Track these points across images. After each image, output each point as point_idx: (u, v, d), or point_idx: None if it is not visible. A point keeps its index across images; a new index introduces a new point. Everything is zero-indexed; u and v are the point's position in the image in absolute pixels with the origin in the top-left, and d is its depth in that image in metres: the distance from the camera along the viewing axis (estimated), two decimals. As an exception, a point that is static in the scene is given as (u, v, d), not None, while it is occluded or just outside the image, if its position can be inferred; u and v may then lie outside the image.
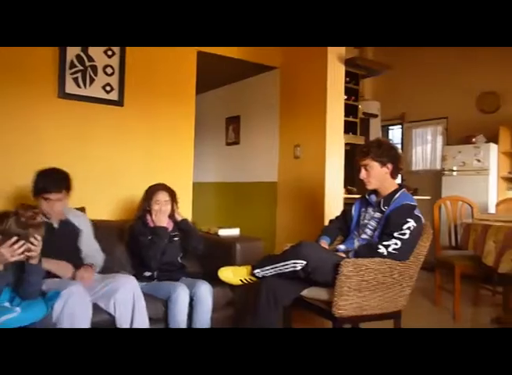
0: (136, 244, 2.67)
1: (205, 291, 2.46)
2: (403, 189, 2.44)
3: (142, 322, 2.17)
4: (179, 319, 2.34)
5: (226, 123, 5.60)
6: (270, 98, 4.77)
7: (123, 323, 2.15)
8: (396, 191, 2.41)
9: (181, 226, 2.79)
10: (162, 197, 2.70)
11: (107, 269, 2.56)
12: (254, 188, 5.02)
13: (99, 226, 2.81)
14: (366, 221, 2.48)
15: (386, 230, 2.29)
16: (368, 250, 2.28)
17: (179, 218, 2.79)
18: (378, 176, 2.41)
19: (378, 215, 2.42)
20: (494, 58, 5.42)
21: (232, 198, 5.41)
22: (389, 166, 2.41)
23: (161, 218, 2.67)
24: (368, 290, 2.18)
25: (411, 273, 2.31)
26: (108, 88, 3.20)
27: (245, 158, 5.22)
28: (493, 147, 5.31)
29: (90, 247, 2.54)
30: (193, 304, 2.44)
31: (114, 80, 3.22)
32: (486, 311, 3.80)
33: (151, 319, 2.27)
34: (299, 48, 4.16)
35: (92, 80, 3.13)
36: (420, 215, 2.32)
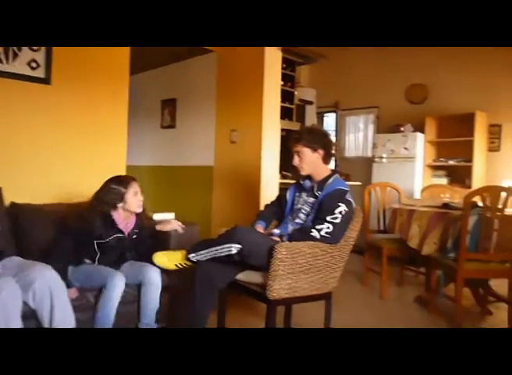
0: (88, 239, 2.47)
1: (155, 274, 2.46)
2: (336, 175, 2.51)
3: (63, 311, 2.07)
4: (110, 306, 2.29)
5: (162, 106, 5.48)
6: (207, 82, 4.72)
7: (44, 314, 2.04)
8: (329, 177, 2.47)
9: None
10: (138, 188, 2.55)
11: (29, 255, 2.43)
12: (189, 172, 4.97)
13: (20, 209, 2.66)
14: (300, 206, 2.53)
15: (319, 214, 2.35)
16: (302, 234, 2.33)
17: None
18: (310, 161, 2.47)
19: (311, 200, 2.48)
20: (422, 51, 5.67)
21: (168, 182, 5.33)
22: (321, 151, 2.46)
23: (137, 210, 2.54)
24: (301, 272, 2.23)
25: (342, 255, 2.39)
26: (33, 65, 3.00)
27: (181, 141, 5.15)
28: (420, 136, 5.59)
29: None
30: (143, 289, 2.44)
31: (40, 57, 3.02)
32: (410, 290, 4.05)
33: (82, 308, 2.20)
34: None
35: (15, 56, 2.92)
36: (351, 200, 2.40)
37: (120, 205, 2.51)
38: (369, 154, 6.44)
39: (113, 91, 3.47)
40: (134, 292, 2.47)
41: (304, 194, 2.55)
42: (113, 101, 3.48)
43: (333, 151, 2.56)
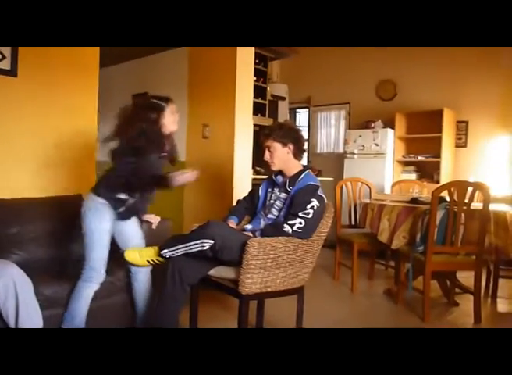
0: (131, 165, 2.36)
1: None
2: (308, 170, 2.53)
3: (29, 309, 2.03)
4: (84, 310, 2.27)
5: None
6: (178, 76, 4.66)
7: (9, 312, 1.99)
8: (300, 172, 2.49)
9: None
10: (174, 108, 2.41)
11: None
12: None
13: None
14: (272, 201, 2.54)
15: (291, 209, 2.36)
16: (274, 229, 2.34)
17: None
18: (280, 156, 2.48)
19: (283, 195, 2.49)
20: (392, 48, 5.73)
21: (139, 177, 5.25)
22: (291, 146, 2.48)
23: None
24: (273, 267, 2.24)
25: (314, 250, 2.41)
26: (-2, 56, 2.91)
27: (153, 137, 5.07)
28: (390, 132, 5.69)
29: None
30: (132, 277, 2.49)
31: (6, 48, 2.92)
32: (380, 283, 4.12)
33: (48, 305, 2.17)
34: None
35: (-21, 47, 2.83)
36: (323, 195, 2.42)
37: (159, 121, 2.35)
38: (341, 150, 6.51)
39: (82, 85, 3.39)
40: (121, 284, 2.51)
41: (276, 190, 2.56)
42: (82, 94, 3.40)
43: (304, 147, 2.59)
